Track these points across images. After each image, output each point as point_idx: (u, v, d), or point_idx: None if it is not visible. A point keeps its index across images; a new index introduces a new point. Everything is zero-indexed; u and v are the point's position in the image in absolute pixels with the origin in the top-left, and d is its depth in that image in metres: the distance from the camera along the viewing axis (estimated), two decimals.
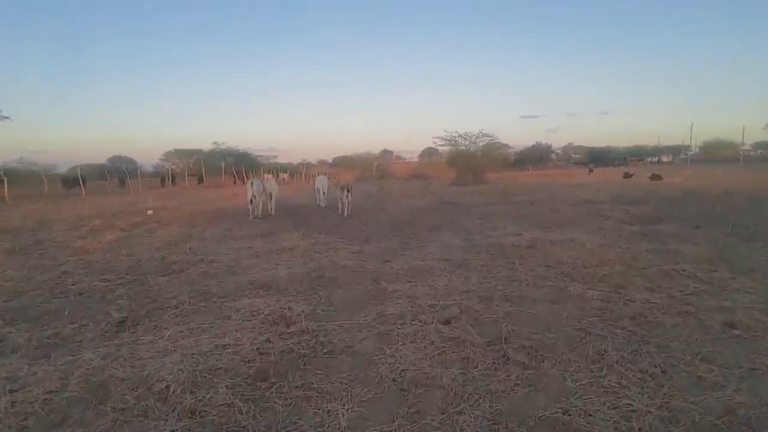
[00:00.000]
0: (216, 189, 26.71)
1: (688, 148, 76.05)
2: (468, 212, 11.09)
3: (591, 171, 43.76)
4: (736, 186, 16.29)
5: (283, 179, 45.77)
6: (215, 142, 48.41)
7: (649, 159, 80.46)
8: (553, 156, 75.19)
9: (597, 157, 71.13)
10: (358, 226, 9.25)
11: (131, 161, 52.11)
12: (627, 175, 31.04)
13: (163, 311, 4.24)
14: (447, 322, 3.64)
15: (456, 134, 27.79)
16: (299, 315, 3.96)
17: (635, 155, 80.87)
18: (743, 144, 61.45)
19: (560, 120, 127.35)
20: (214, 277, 5.58)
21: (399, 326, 3.63)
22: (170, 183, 33.48)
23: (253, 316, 3.99)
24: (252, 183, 11.09)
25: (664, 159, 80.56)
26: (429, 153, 74.66)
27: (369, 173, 42.97)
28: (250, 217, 10.84)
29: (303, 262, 6.10)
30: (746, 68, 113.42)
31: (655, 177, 24.35)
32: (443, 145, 28.99)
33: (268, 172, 44.41)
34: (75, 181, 27.77)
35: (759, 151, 68.30)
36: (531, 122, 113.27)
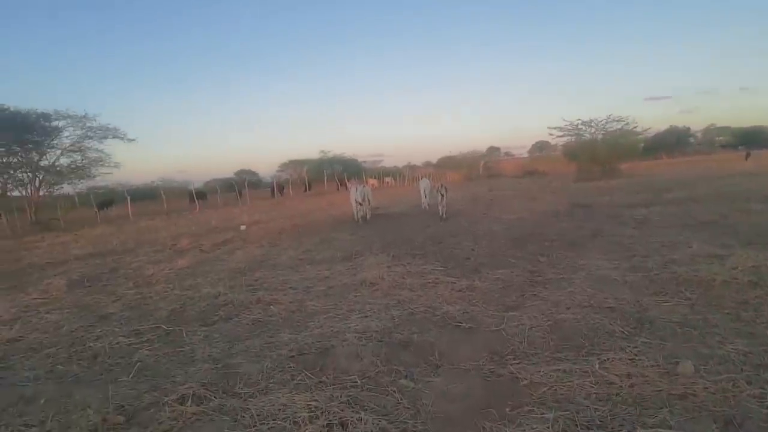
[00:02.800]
0: (317, 198, 26.43)
1: None
2: (614, 218, 8.34)
3: (748, 156, 35.71)
4: None
5: (387, 183, 45.10)
6: (322, 151, 49.67)
7: None
8: (692, 140, 64.65)
9: (748, 140, 59.26)
10: (464, 244, 7.18)
11: (254, 173, 56.05)
12: None
13: (157, 410, 2.68)
14: None
15: (578, 122, 23.92)
16: None
17: None
18: None
19: (695, 99, 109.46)
20: (265, 329, 4.02)
21: None
22: (279, 193, 34.41)
23: None
24: (357, 189, 11.33)
25: None
26: (540, 147, 69.01)
27: (476, 173, 40.17)
28: (358, 221, 11.19)
29: (385, 308, 4.26)
30: None
31: None
32: (562, 136, 25.17)
33: (372, 177, 44.51)
34: (197, 195, 29.60)
35: None
36: (658, 104, 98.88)
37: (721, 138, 69.21)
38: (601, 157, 22.62)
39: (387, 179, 47.24)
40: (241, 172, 53.82)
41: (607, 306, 3.74)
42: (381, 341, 3.42)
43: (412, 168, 59.68)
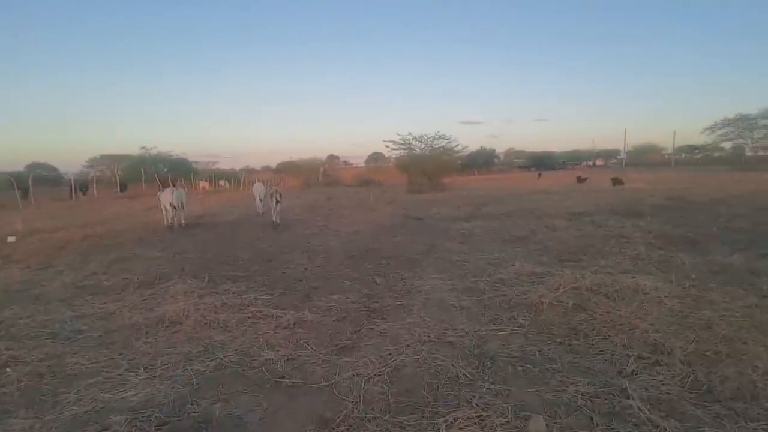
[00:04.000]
0: (132, 201, 22.60)
1: (618, 152, 79.57)
2: (444, 232, 8.56)
3: (540, 175, 43.19)
4: (716, 193, 15.05)
5: (222, 187, 41.59)
6: (143, 147, 43.61)
7: (585, 162, 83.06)
8: (496, 161, 75.62)
9: (538, 162, 72.30)
10: (297, 262, 6.41)
11: (53, 168, 45.89)
12: (580, 180, 30.14)
13: None
14: None
15: (410, 137, 25.40)
16: None
17: (573, 159, 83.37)
18: (672, 148, 63.62)
19: (499, 126, 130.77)
20: None
21: None
22: (81, 194, 28.51)
23: None
24: (173, 192, 10.65)
25: (598, 162, 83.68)
26: (375, 158, 72.73)
27: (315, 179, 39.79)
28: (173, 228, 10.33)
29: (184, 360, 3.23)
30: (677, 74, 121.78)
31: (616, 182, 23.20)
32: (396, 149, 26.44)
33: (204, 180, 40.59)
34: None
35: (683, 155, 72.13)
36: (471, 128, 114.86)
37: (518, 160, 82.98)
38: (428, 171, 24.37)
39: (221, 182, 43.67)
40: (34, 166, 43.90)
41: (447, 341, 3.39)
42: (165, 424, 2.42)
43: (249, 172, 56.53)
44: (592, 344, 3.24)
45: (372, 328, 3.72)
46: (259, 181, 17.30)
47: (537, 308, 3.95)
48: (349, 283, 5.20)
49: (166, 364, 3.19)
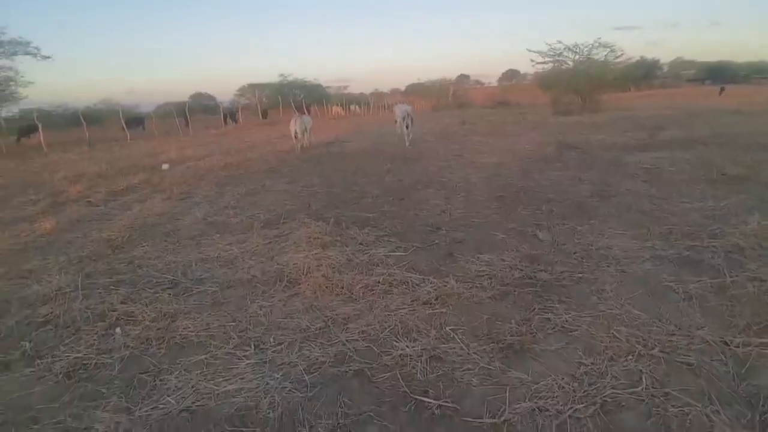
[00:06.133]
0: (271, 128, 23.68)
1: None
2: (617, 167, 6.71)
3: (722, 90, 34.73)
4: None
5: (354, 112, 41.95)
6: (282, 74, 45.36)
7: None
8: (658, 73, 63.20)
9: (715, 74, 58.70)
10: (433, 202, 5.42)
11: (211, 98, 50.70)
12: None
13: None
14: None
15: (562, 47, 21.37)
16: None
17: (759, 72, 65.42)
18: None
19: (661, 32, 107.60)
20: (81, 391, 2.25)
21: None
22: (232, 121, 30.96)
23: None
24: (299, 119, 11.23)
25: None
26: (510, 76, 66.21)
27: (445, 101, 37.58)
28: (298, 150, 10.97)
29: (302, 339, 2.53)
30: None
31: None
32: (543, 62, 22.49)
33: (337, 105, 41.29)
34: (130, 122, 26.06)
35: None
36: (626, 34, 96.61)
37: (686, 72, 68.22)
38: (582, 87, 20.62)
39: (353, 107, 43.99)
40: (197, 96, 48.93)
41: (680, 360, 2.12)
42: None
43: (379, 95, 56.03)
44: None
45: (547, 318, 2.60)
46: (401, 103, 16.36)
47: None
48: (501, 236, 4.06)
49: (280, 343, 2.54)
